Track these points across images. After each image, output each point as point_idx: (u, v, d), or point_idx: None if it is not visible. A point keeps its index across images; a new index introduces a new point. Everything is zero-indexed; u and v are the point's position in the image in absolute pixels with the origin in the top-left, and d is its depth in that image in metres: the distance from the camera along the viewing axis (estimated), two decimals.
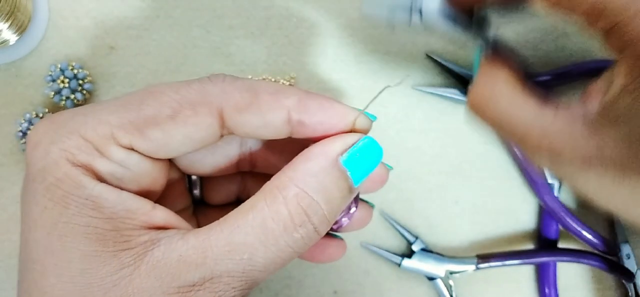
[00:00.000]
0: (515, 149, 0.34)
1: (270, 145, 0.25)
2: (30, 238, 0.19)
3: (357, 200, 0.24)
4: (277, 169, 0.20)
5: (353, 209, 0.24)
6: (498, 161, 0.35)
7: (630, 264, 0.33)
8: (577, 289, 0.35)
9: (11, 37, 0.33)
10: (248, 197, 0.20)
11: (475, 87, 0.22)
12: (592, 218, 0.34)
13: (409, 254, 0.33)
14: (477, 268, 0.33)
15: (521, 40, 0.35)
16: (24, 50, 0.34)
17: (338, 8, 0.35)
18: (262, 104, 0.20)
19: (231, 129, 0.21)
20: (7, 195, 0.34)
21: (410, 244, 0.34)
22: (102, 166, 0.19)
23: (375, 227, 0.35)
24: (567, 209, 0.32)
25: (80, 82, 0.33)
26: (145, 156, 0.20)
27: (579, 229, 0.32)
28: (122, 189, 0.20)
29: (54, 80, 0.33)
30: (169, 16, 0.35)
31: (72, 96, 0.33)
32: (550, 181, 0.34)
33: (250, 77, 0.35)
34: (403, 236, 0.34)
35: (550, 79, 0.34)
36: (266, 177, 0.20)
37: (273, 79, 0.35)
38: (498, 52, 0.23)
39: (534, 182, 0.33)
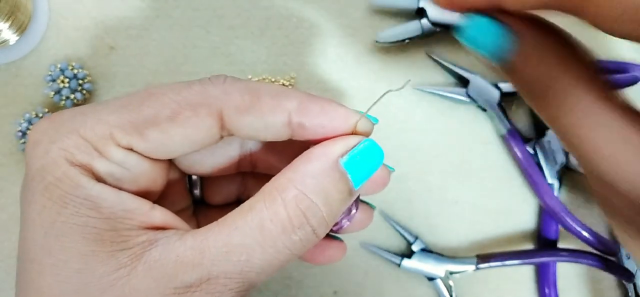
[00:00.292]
0: (516, 149, 0.34)
1: (271, 146, 0.25)
2: (28, 237, 0.19)
3: (357, 201, 0.24)
4: (278, 169, 0.20)
5: (353, 211, 0.24)
6: (498, 161, 0.35)
7: (630, 264, 0.33)
8: (577, 289, 0.35)
9: (11, 37, 0.33)
10: (248, 198, 0.20)
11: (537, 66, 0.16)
12: (592, 218, 0.34)
13: (409, 254, 0.33)
14: (477, 268, 0.33)
15: None
16: (24, 50, 0.34)
17: (338, 8, 0.35)
18: (263, 106, 0.20)
19: (231, 130, 0.21)
20: (7, 195, 0.34)
21: (410, 244, 0.34)
22: (101, 166, 0.19)
23: (375, 227, 0.35)
24: (567, 209, 0.32)
25: (80, 82, 0.33)
26: (144, 156, 0.20)
27: (578, 229, 0.32)
28: (120, 189, 0.20)
29: (53, 80, 0.33)
30: (169, 16, 0.35)
31: (72, 96, 0.33)
32: (550, 181, 0.34)
33: (250, 77, 0.35)
34: (403, 236, 0.34)
35: None
36: (267, 177, 0.20)
37: (273, 79, 0.35)
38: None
39: (534, 182, 0.33)
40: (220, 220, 0.19)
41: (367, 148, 0.20)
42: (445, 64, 0.34)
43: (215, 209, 0.27)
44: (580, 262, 0.33)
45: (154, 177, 0.21)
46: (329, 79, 0.35)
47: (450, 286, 0.33)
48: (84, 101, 0.34)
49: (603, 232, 0.34)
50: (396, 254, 0.34)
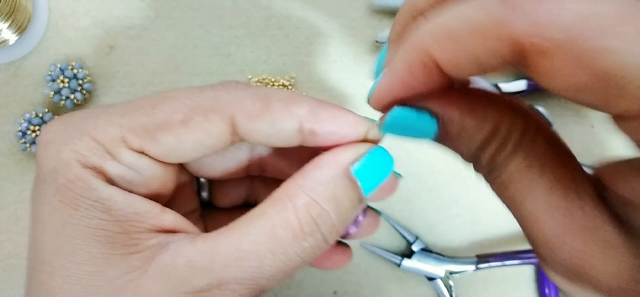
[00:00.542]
0: None
1: (280, 151, 0.25)
2: (39, 238, 0.19)
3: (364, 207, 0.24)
4: (287, 174, 0.20)
5: (360, 217, 0.24)
6: None
7: None
8: None
9: (11, 37, 0.33)
10: (256, 201, 0.20)
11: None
12: None
13: (409, 254, 0.34)
14: (477, 268, 0.33)
15: None
16: (24, 50, 0.34)
17: (338, 8, 0.35)
18: (274, 112, 0.20)
19: (242, 136, 0.21)
20: (6, 195, 0.34)
21: (410, 244, 0.34)
22: (113, 169, 0.19)
23: None
24: None
25: (80, 81, 0.33)
26: (155, 159, 0.20)
27: None
28: (131, 192, 0.20)
29: (53, 80, 0.33)
30: (169, 16, 0.35)
31: (72, 96, 0.33)
32: None
33: (250, 77, 0.35)
34: (403, 236, 0.34)
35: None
36: (275, 181, 0.20)
37: (273, 79, 0.35)
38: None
39: None
40: (230, 225, 0.19)
41: (378, 156, 0.20)
42: None
43: (223, 212, 0.27)
44: None
45: (165, 181, 0.21)
46: (329, 79, 0.35)
47: (450, 286, 0.33)
48: (84, 101, 0.34)
49: None
50: (396, 254, 0.34)
